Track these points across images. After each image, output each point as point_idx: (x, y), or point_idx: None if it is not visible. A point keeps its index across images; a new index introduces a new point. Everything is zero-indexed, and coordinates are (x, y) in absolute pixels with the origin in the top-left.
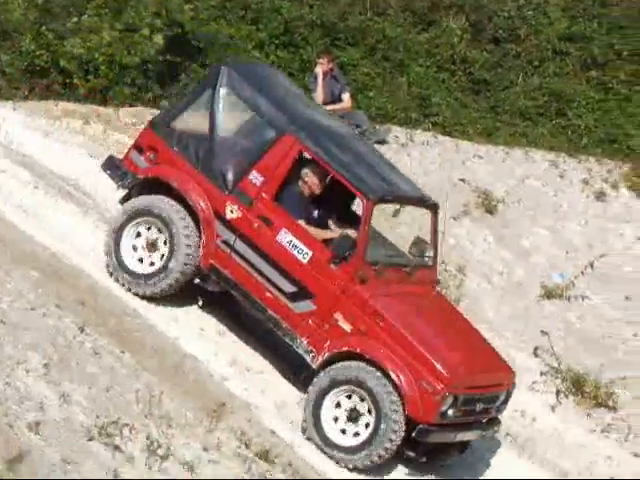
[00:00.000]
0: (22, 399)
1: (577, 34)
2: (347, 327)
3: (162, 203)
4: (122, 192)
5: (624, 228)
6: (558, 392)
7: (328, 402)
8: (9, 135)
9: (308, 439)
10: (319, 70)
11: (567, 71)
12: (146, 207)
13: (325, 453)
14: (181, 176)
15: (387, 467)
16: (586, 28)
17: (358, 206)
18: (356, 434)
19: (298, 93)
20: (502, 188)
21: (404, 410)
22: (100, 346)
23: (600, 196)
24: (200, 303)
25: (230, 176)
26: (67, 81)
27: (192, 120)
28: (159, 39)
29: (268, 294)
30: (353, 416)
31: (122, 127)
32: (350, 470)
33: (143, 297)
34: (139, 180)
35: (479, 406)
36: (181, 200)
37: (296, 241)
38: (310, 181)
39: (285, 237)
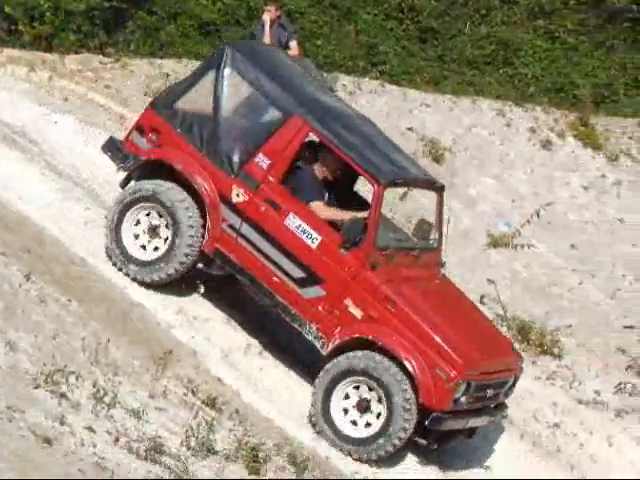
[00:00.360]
0: None
1: None
2: (358, 313)
3: (164, 188)
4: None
5: (570, 177)
6: None
7: (338, 392)
8: None
9: (318, 433)
10: (266, 18)
11: (514, 20)
12: (148, 192)
13: (335, 445)
14: (185, 159)
15: (398, 455)
16: None
17: (361, 188)
18: (368, 425)
19: (303, 73)
20: (449, 137)
21: (417, 398)
22: (46, 294)
23: (546, 145)
24: (202, 290)
25: (236, 159)
26: (12, 28)
27: (195, 101)
28: None
29: (276, 279)
30: (364, 406)
31: (68, 74)
32: (362, 462)
33: (148, 285)
34: (141, 162)
35: (490, 392)
36: (183, 183)
37: (305, 225)
38: (324, 166)
39: (293, 221)
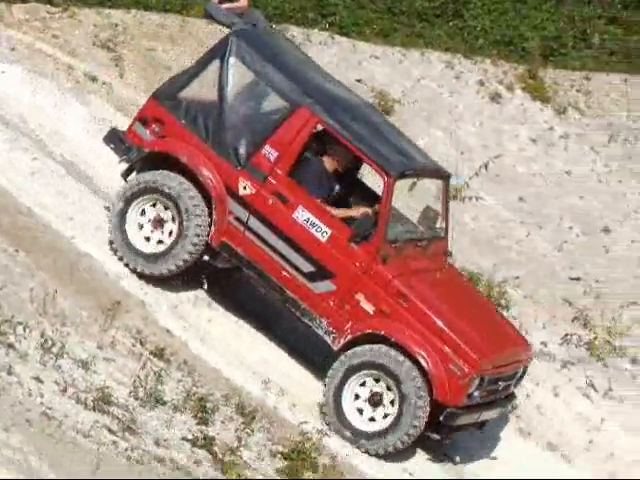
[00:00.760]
0: None
1: None
2: (369, 308)
3: (169, 179)
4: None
5: (518, 129)
6: None
7: (350, 386)
8: None
9: (327, 424)
10: None
11: None
12: (153, 183)
13: (346, 439)
14: (190, 150)
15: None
16: None
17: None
18: (379, 420)
19: (309, 62)
20: (398, 89)
21: (431, 394)
22: None
23: (495, 97)
24: (205, 286)
25: (242, 151)
26: None
27: (200, 92)
28: None
29: (285, 273)
30: (376, 401)
31: (15, 23)
32: (373, 456)
33: (153, 278)
34: (144, 154)
35: (501, 384)
36: (187, 175)
37: (314, 219)
38: (334, 158)
39: (302, 215)
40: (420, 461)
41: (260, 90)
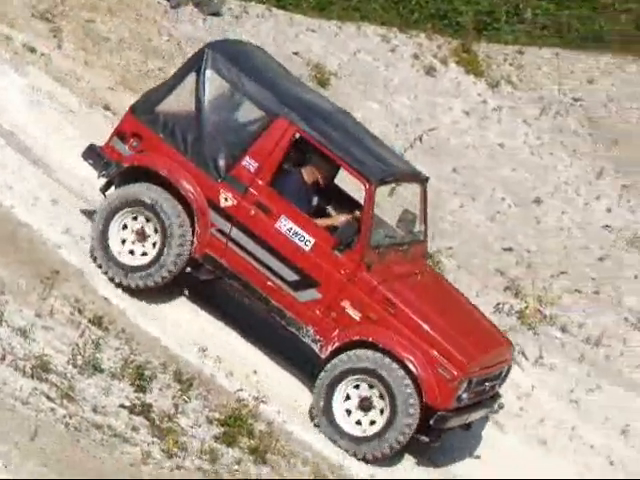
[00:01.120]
0: None
1: None
2: (356, 315)
3: (151, 192)
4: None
5: (452, 102)
6: None
7: (340, 393)
8: None
9: (319, 429)
10: None
11: None
12: (134, 196)
13: (338, 445)
14: (170, 164)
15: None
16: None
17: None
18: (370, 424)
19: (283, 71)
20: (335, 62)
21: (421, 398)
22: None
23: (430, 71)
24: (186, 292)
25: (222, 163)
26: None
27: (177, 105)
28: None
29: (269, 283)
30: (366, 406)
31: None
32: (362, 461)
33: (137, 290)
34: (124, 169)
35: (488, 385)
36: (168, 188)
37: (297, 228)
38: (316, 170)
39: (285, 224)
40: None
41: (237, 101)
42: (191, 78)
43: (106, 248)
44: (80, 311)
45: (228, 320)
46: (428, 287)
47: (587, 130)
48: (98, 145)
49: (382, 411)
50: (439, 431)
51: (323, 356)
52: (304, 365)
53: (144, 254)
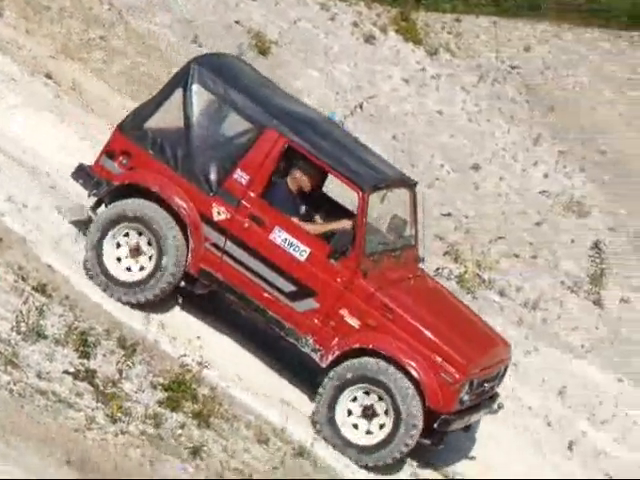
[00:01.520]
0: None
1: None
2: (354, 323)
3: (144, 207)
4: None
5: (392, 70)
6: None
7: (343, 401)
8: None
9: (324, 438)
10: None
11: None
12: (128, 212)
13: (343, 453)
14: (161, 180)
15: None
16: None
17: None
18: (374, 432)
19: (269, 83)
20: (275, 30)
21: (424, 403)
22: None
23: (369, 39)
24: (180, 300)
25: (213, 177)
26: None
27: (166, 121)
28: None
29: (266, 295)
30: (369, 414)
31: None
32: (367, 469)
33: (136, 305)
34: (114, 187)
35: (487, 385)
36: (160, 205)
37: (291, 239)
38: (301, 177)
39: (279, 235)
40: None
41: (225, 115)
42: (178, 94)
43: (101, 264)
44: (24, 278)
45: None
46: (422, 291)
47: (524, 97)
48: (87, 164)
49: (386, 418)
50: (442, 434)
51: (324, 365)
52: (246, 331)
53: (141, 269)
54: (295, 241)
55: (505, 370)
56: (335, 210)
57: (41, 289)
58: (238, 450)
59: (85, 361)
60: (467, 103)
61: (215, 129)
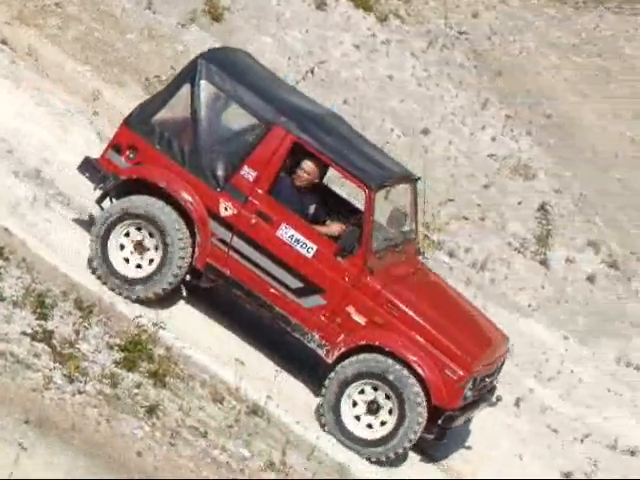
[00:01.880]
0: None
1: None
2: (361, 320)
3: (150, 204)
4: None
5: (343, 36)
6: None
7: (348, 395)
8: None
9: (328, 432)
10: None
11: None
12: (135, 209)
13: (348, 447)
14: (168, 175)
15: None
16: None
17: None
18: (379, 427)
19: (276, 79)
20: None
21: (429, 400)
22: None
23: (321, 5)
24: (184, 293)
25: (220, 172)
26: None
27: (173, 116)
28: None
29: (273, 290)
30: (374, 409)
31: None
32: (371, 463)
33: (140, 301)
34: (121, 181)
35: (488, 380)
36: (166, 199)
37: (298, 235)
38: (308, 174)
39: (286, 232)
40: None
41: (233, 111)
42: (185, 89)
43: (107, 261)
44: None
45: None
46: (424, 286)
47: (472, 62)
48: (94, 158)
49: (390, 413)
50: (445, 429)
51: (329, 361)
52: (200, 292)
53: (150, 262)
54: (302, 238)
55: (502, 363)
56: (344, 208)
57: None
58: (193, 408)
59: (42, 322)
60: (416, 68)
61: (222, 125)
